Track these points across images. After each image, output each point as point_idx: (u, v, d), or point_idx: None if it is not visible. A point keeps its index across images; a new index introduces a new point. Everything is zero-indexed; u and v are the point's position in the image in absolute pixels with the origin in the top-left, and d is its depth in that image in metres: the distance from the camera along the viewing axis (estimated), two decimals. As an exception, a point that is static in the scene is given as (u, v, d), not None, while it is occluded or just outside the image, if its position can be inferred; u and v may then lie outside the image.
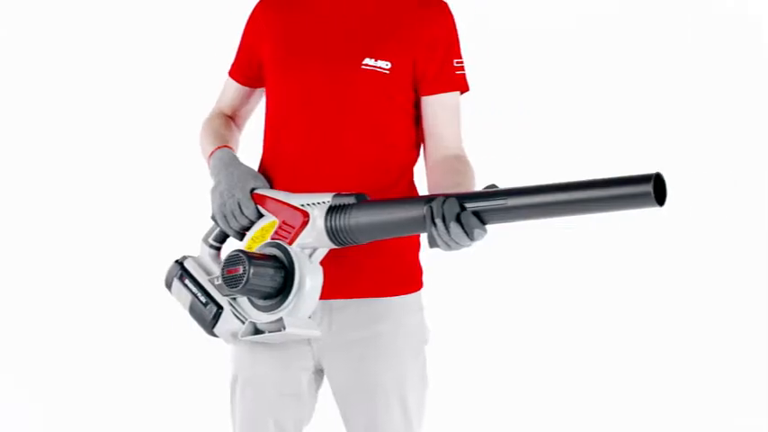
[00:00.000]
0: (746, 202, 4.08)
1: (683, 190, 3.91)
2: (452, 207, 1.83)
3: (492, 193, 1.83)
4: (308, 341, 2.14)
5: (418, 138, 2.19)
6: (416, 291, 2.19)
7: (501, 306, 3.98)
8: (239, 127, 2.34)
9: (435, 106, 2.16)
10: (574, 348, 3.99)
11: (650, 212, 1.75)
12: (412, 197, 1.96)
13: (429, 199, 1.88)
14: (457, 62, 2.17)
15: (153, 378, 3.95)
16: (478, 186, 2.07)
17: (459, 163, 2.13)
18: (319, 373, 2.19)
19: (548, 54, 4.03)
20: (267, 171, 2.17)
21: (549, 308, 4.01)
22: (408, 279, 2.17)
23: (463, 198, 1.84)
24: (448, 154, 2.15)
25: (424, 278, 2.21)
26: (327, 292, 2.06)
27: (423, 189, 2.19)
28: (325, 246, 2.01)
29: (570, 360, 3.99)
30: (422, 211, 1.87)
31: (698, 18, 4.08)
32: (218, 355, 2.47)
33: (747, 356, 4.02)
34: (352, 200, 1.98)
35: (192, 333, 2.22)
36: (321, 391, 2.23)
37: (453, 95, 2.17)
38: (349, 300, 2.13)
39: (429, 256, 2.13)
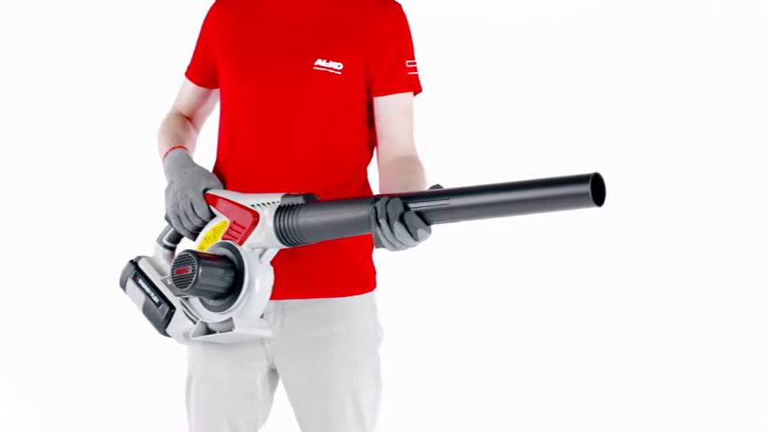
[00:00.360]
0: (737, 201, 4.10)
1: (650, 188, 3.96)
2: (396, 207, 1.84)
3: (435, 194, 1.84)
4: (262, 341, 2.14)
5: (371, 138, 2.20)
6: (369, 291, 2.19)
7: (456, 305, 4.01)
8: (196, 127, 2.34)
9: (388, 107, 2.16)
10: (529, 346, 4.02)
11: (591, 211, 1.76)
12: (359, 197, 1.96)
13: (374, 199, 1.88)
14: (409, 63, 2.17)
15: (108, 378, 3.97)
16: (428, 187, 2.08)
17: (411, 163, 2.14)
18: (273, 372, 2.20)
19: (506, 54, 4.06)
20: (221, 171, 2.18)
21: (503, 305, 4.04)
22: (361, 279, 2.18)
23: (407, 198, 1.85)
24: (400, 155, 2.15)
25: (378, 278, 2.22)
26: (280, 293, 2.07)
27: (377, 190, 2.19)
28: (275, 246, 2.02)
29: (526, 358, 4.02)
30: (367, 211, 1.88)
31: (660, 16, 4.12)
32: (173, 355, 2.48)
33: (735, 353, 4.04)
34: (300, 200, 1.99)
35: (148, 333, 2.22)
36: (277, 391, 2.24)
37: (406, 96, 2.17)
38: (301, 300, 2.14)
39: (383, 257, 2.14)
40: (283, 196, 2.01)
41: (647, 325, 4.06)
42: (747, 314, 4.08)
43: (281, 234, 1.99)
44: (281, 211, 1.99)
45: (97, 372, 3.99)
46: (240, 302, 1.98)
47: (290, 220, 1.98)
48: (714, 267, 4.10)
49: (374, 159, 2.22)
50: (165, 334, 2.13)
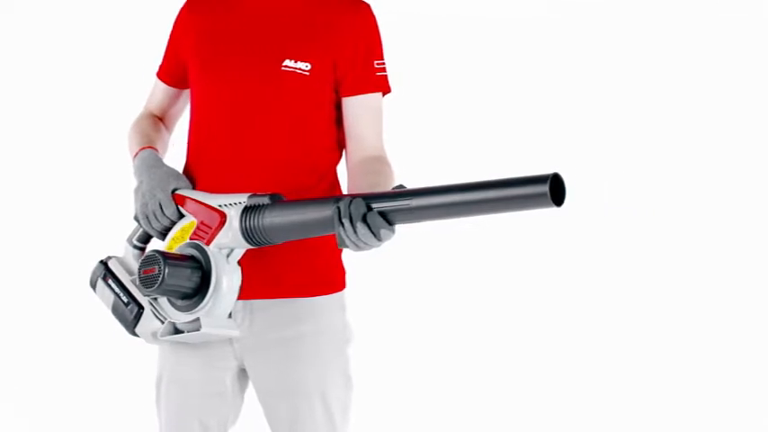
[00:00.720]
0: (724, 200, 4.11)
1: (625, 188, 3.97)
2: (359, 207, 1.85)
3: (397, 194, 1.84)
4: (231, 341, 2.15)
5: (340, 139, 2.20)
6: (339, 291, 2.19)
7: (426, 305, 4.01)
8: (168, 128, 2.34)
9: (356, 107, 2.16)
10: (501, 344, 4.03)
11: (550, 211, 1.76)
12: (324, 197, 1.97)
13: (338, 199, 1.89)
14: (378, 63, 2.18)
15: (79, 378, 3.97)
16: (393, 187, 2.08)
17: (379, 164, 2.14)
18: (243, 372, 2.20)
19: (475, 54, 4.07)
20: (191, 172, 2.19)
21: (473, 304, 4.05)
22: (330, 279, 2.18)
23: (370, 198, 1.86)
24: (368, 155, 2.15)
25: (348, 278, 2.22)
26: (248, 293, 2.08)
27: (346, 190, 2.19)
28: (242, 246, 2.03)
29: (498, 357, 4.02)
30: (331, 211, 1.89)
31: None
32: (144, 355, 2.48)
33: (723, 349, 4.05)
34: (266, 200, 1.99)
35: (118, 333, 2.23)
36: (248, 391, 2.24)
37: (375, 97, 2.18)
38: (270, 300, 2.14)
39: (352, 256, 2.14)
40: (249, 196, 2.01)
41: (618, 324, 4.07)
42: (735, 311, 4.09)
43: (247, 234, 2.00)
44: (248, 211, 2.00)
45: (95, 371, 3.98)
46: (207, 302, 1.99)
47: (255, 221, 1.99)
48: (692, 263, 4.11)
49: (344, 160, 2.22)
50: (134, 334, 2.14)
